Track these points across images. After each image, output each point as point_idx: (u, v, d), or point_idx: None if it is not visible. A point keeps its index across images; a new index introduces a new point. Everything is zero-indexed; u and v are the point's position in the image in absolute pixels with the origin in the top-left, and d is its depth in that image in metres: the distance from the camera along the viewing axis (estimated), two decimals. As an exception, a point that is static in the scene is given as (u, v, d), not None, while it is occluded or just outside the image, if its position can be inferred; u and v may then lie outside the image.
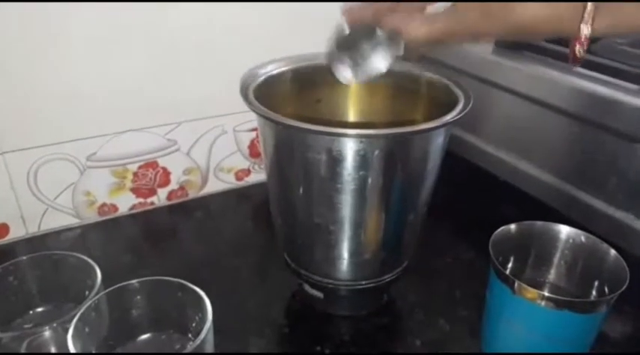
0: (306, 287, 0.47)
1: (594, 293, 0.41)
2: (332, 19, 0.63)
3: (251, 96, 0.40)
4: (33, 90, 0.52)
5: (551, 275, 0.44)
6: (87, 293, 0.39)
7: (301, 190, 0.41)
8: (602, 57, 0.54)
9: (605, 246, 0.40)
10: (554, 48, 0.57)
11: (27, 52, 0.50)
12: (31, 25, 0.49)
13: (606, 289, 0.39)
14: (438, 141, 0.40)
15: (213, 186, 0.67)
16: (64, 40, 0.51)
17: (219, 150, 0.65)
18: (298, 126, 0.36)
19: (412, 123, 0.37)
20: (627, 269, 0.37)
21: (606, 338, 0.44)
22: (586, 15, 0.30)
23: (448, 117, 0.38)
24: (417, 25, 0.34)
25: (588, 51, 0.56)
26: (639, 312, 0.47)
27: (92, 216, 0.61)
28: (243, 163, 0.68)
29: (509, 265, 0.43)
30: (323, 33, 0.63)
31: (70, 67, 0.53)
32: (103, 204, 0.61)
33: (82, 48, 0.52)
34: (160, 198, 0.64)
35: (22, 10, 0.48)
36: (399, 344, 0.47)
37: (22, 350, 0.36)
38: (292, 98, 0.48)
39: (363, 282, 0.45)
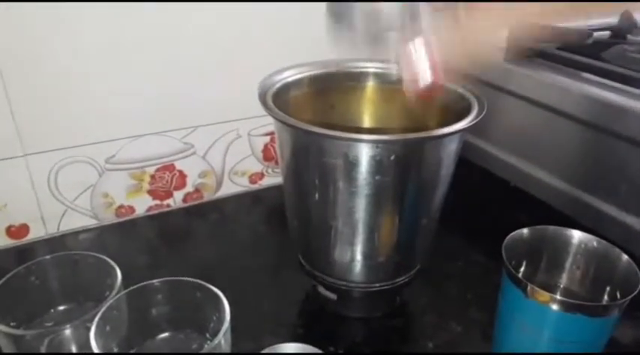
0: (320, 288, 0.48)
1: (606, 298, 0.41)
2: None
3: (270, 102, 0.41)
4: (55, 95, 0.53)
5: (563, 279, 0.44)
6: (107, 292, 0.39)
7: (317, 193, 0.42)
8: (613, 64, 0.55)
9: (617, 251, 0.40)
10: (566, 55, 0.58)
11: (49, 57, 0.52)
12: (52, 30, 0.51)
13: (618, 294, 0.39)
14: (452, 147, 0.40)
15: (228, 189, 0.68)
16: (85, 45, 0.53)
17: (233, 153, 0.66)
18: (316, 132, 0.37)
19: (425, 129, 0.38)
20: (639, 274, 0.37)
21: (617, 343, 0.44)
22: None
23: (462, 124, 0.38)
24: None
25: (599, 58, 0.57)
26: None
27: (110, 218, 0.62)
28: (257, 167, 0.69)
29: (522, 269, 0.44)
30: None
31: (90, 72, 0.54)
32: (121, 206, 0.62)
33: (101, 54, 0.54)
34: (176, 200, 0.65)
35: (45, 15, 0.50)
36: (411, 346, 0.47)
37: (44, 347, 0.37)
38: (308, 104, 0.49)
39: (377, 285, 0.46)
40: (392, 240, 0.44)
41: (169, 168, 0.63)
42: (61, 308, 0.44)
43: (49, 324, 0.42)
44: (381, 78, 0.51)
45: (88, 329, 0.35)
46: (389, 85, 0.50)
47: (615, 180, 0.50)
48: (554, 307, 0.36)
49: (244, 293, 0.50)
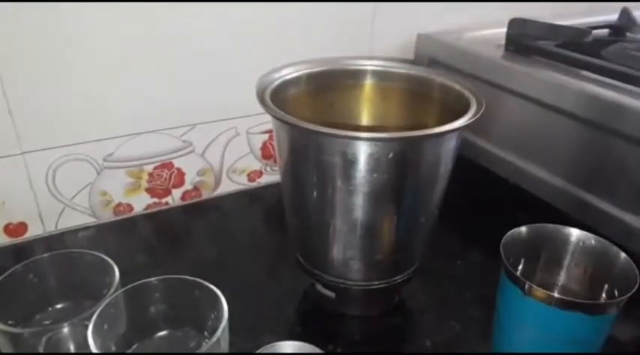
0: (319, 286, 0.48)
1: (604, 295, 0.41)
2: (345, 23, 0.64)
3: (268, 100, 0.41)
4: (53, 93, 0.53)
5: (562, 277, 0.44)
6: (105, 290, 0.39)
7: (315, 192, 0.42)
8: (612, 62, 0.55)
9: (615, 249, 0.40)
10: (565, 53, 0.58)
11: (47, 55, 0.51)
12: (50, 28, 0.50)
13: (616, 292, 0.39)
14: (450, 145, 0.40)
15: (226, 187, 0.68)
16: (84, 43, 0.53)
17: (232, 151, 0.66)
18: (314, 129, 0.37)
19: (424, 127, 0.38)
20: (637, 272, 0.37)
21: (616, 341, 0.44)
22: None
23: (461, 122, 0.38)
24: None
25: (599, 56, 0.57)
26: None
27: (108, 216, 0.62)
28: (256, 165, 0.69)
29: (520, 267, 0.44)
30: (336, 36, 0.65)
31: (89, 70, 0.54)
32: (119, 204, 0.62)
33: (100, 52, 0.54)
34: (175, 198, 0.65)
35: (43, 13, 0.49)
36: (409, 344, 0.47)
37: (41, 345, 0.37)
38: (306, 102, 0.49)
39: (375, 283, 0.46)
40: (390, 238, 0.44)
41: (168, 166, 0.62)
42: (59, 306, 0.44)
43: (47, 322, 0.42)
44: (380, 76, 0.50)
45: (86, 327, 0.35)
46: (387, 83, 0.50)
47: (614, 177, 0.50)
48: (553, 305, 0.36)
49: (242, 292, 0.50)
